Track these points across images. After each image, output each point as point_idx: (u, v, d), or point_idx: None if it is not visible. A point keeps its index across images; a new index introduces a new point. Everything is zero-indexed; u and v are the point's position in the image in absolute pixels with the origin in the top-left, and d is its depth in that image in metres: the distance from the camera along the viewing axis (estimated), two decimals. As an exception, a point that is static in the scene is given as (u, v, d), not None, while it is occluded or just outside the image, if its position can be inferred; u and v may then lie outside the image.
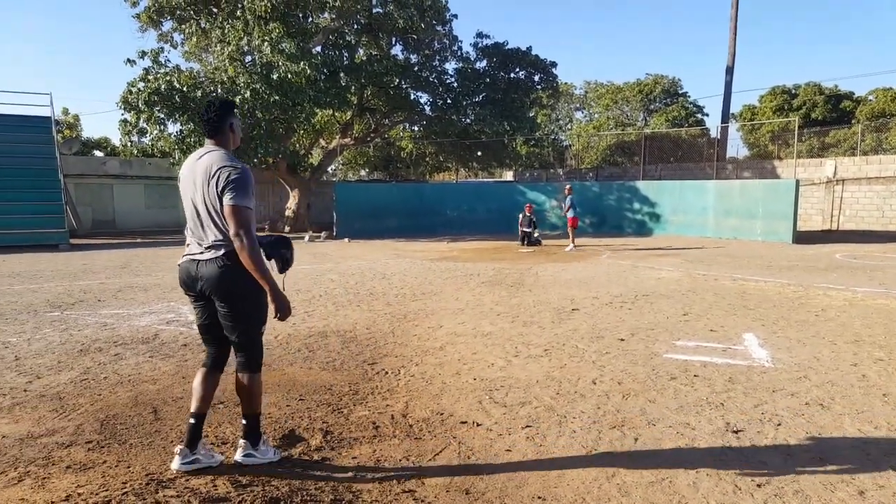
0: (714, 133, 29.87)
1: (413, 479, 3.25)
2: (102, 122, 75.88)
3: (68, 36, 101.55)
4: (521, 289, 9.76)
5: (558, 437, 3.80)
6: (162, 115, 20.12)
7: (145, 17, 23.35)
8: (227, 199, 3.11)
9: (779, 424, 3.98)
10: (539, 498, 3.06)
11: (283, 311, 3.23)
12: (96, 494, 2.88)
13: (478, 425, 3.98)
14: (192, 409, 3.32)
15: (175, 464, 3.27)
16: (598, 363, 5.42)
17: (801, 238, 18.62)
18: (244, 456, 3.39)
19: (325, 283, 10.47)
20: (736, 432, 3.87)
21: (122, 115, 20.47)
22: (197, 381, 3.35)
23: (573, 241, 16.91)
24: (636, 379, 4.95)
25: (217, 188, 3.14)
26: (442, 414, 4.19)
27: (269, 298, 3.22)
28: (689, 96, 41.28)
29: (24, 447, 3.58)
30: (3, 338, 6.46)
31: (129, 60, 20.50)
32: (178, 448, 3.32)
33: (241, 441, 3.43)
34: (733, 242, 18.60)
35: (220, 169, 3.16)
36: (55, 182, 20.63)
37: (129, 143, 22.21)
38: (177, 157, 20.68)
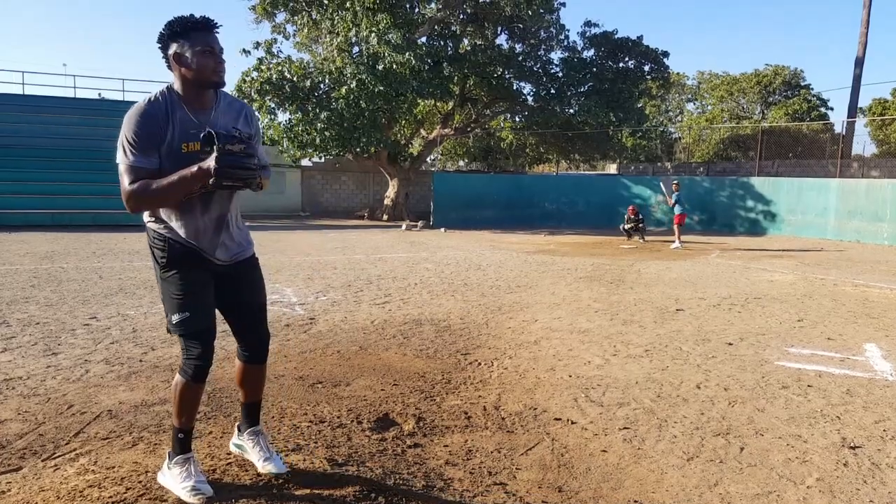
0: (839, 128, 27.87)
1: (504, 471, 3.20)
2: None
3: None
4: (622, 286, 9.47)
5: (658, 441, 3.64)
6: (273, 105, 20.98)
7: (260, 8, 24.35)
8: None
9: (906, 444, 3.64)
10: (635, 502, 2.94)
11: (216, 169, 2.31)
12: (202, 463, 3.01)
13: (572, 423, 3.88)
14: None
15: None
16: (702, 367, 5.16)
17: (937, 243, 17.06)
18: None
19: (421, 272, 10.58)
20: (853, 448, 3.57)
21: (236, 103, 21.47)
22: None
23: (679, 239, 16.27)
24: (744, 386, 4.67)
25: None
26: (535, 409, 4.11)
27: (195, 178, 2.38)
28: (812, 89, 38.61)
29: (138, 414, 3.81)
30: (122, 311, 6.93)
31: (244, 51, 21.54)
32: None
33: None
34: (856, 246, 17.29)
35: None
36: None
37: (241, 131, 23.28)
38: (285, 146, 21.56)
